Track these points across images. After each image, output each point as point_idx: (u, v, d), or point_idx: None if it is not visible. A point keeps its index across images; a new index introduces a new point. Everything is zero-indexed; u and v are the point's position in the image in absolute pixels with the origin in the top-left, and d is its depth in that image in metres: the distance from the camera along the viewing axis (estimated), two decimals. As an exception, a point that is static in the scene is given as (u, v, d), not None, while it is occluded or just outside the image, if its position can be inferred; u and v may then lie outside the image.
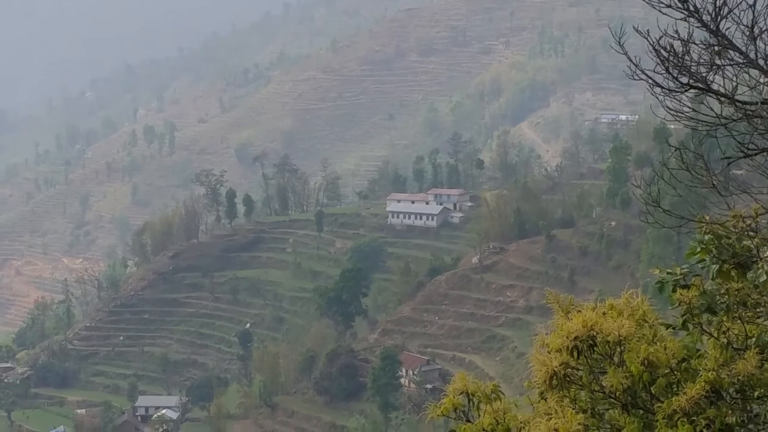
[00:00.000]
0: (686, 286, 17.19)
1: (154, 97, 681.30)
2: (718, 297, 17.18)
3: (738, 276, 17.14)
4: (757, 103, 16.43)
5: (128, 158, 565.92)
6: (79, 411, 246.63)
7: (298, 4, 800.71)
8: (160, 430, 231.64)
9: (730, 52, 16.57)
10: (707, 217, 17.40)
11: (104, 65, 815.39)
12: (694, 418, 16.46)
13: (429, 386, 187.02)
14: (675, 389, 16.94)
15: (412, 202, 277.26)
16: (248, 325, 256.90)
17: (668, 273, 17.58)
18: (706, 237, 17.11)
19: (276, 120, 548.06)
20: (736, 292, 17.19)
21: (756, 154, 16.64)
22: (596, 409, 17.53)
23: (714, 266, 17.02)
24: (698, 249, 17.19)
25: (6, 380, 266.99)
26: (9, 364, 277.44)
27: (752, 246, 17.09)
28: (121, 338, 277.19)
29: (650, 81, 16.71)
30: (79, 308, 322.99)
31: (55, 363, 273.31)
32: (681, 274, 17.34)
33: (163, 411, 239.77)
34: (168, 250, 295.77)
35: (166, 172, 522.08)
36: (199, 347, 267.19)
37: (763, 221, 17.32)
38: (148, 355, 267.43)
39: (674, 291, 17.10)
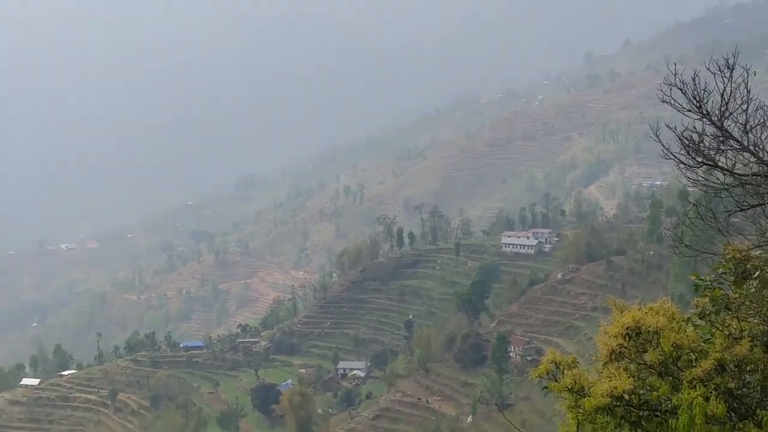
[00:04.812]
0: (709, 288, 17.51)
1: (350, 167, 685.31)
2: (729, 300, 17.37)
3: (737, 287, 17.22)
4: (748, 175, 16.44)
5: (333, 207, 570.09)
6: (300, 370, 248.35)
7: (444, 107, 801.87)
8: (353, 383, 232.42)
9: (730, 141, 16.55)
10: (730, 246, 17.58)
11: (319, 145, 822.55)
12: (707, 383, 16.44)
13: (529, 358, 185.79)
14: (693, 364, 16.91)
15: (518, 237, 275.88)
16: (411, 316, 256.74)
17: (701, 280, 17.77)
18: (727, 258, 17.34)
19: (429, 183, 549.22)
20: (735, 299, 17.22)
21: (748, 209, 16.68)
22: (640, 376, 17.56)
23: (731, 278, 17.22)
24: (720, 266, 17.43)
25: (254, 349, 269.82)
26: (256, 339, 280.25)
27: (748, 268, 17.20)
28: (328, 323, 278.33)
29: (677, 159, 16.75)
30: (301, 303, 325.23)
31: (286, 338, 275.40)
32: (709, 281, 17.59)
33: (355, 371, 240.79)
34: (358, 266, 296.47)
35: (358, 216, 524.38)
36: (378, 330, 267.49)
37: (752, 253, 17.37)
38: (345, 335, 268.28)
39: (704, 290, 17.32)
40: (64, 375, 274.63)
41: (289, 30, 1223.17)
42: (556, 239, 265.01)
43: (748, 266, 17.14)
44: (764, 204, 16.56)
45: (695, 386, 16.46)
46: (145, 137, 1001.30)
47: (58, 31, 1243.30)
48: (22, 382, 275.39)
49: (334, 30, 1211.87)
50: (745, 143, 16.39)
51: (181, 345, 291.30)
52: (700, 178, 16.91)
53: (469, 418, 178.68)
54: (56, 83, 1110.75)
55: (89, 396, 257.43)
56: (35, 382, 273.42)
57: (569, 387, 18.16)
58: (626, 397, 17.11)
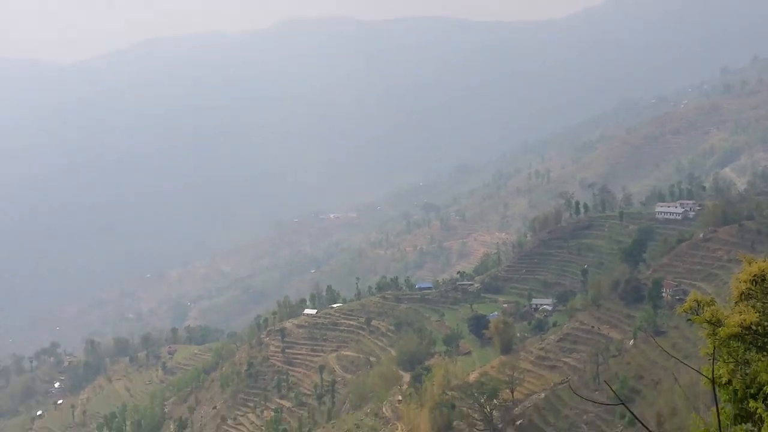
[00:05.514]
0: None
1: (539, 156, 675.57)
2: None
3: None
4: None
5: (527, 186, 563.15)
6: (504, 305, 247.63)
7: (610, 110, 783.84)
8: (543, 315, 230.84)
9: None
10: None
11: (515, 140, 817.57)
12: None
13: (677, 297, 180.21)
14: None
15: (668, 207, 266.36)
16: (585, 266, 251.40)
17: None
18: None
19: (599, 167, 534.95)
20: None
21: None
22: (765, 312, 17.77)
23: None
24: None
25: (470, 290, 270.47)
26: (471, 282, 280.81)
27: None
28: (523, 271, 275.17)
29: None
30: (504, 256, 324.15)
31: (492, 282, 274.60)
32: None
33: (544, 306, 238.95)
34: (546, 229, 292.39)
35: (545, 193, 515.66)
36: (561, 276, 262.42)
37: None
38: (536, 279, 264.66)
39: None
40: (333, 307, 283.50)
41: (490, 56, 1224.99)
42: (699, 208, 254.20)
43: None
44: None
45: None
46: (391, 136, 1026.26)
47: (338, 67, 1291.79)
48: (304, 312, 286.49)
49: (522, 57, 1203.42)
50: None
51: (416, 286, 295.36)
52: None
53: (631, 342, 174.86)
54: (342, 110, 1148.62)
55: (351, 322, 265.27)
56: (313, 311, 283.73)
57: (708, 319, 18.65)
58: (754, 327, 17.40)
